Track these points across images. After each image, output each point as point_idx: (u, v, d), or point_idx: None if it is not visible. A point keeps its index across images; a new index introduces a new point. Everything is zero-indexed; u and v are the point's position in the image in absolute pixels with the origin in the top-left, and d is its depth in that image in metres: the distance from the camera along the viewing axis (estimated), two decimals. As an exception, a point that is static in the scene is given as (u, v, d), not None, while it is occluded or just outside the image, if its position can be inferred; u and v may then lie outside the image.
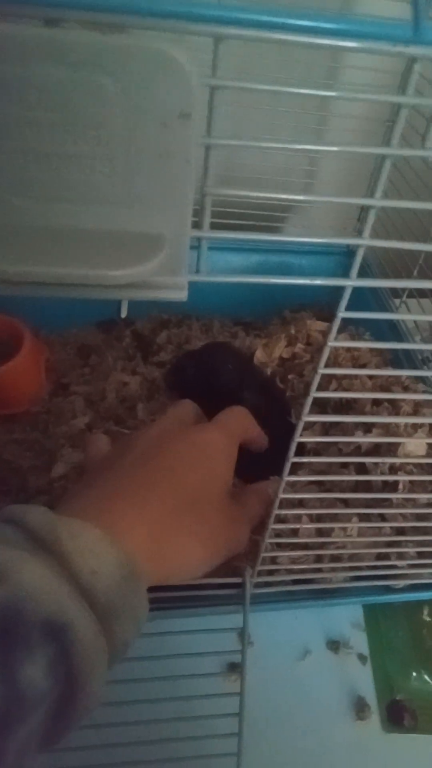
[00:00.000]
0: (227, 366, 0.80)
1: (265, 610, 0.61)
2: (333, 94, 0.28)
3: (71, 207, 0.24)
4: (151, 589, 0.41)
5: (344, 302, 0.32)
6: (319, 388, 0.37)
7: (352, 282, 0.31)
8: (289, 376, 0.81)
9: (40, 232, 0.24)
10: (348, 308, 0.32)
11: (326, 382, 0.77)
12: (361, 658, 0.73)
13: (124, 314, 0.86)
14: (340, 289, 0.33)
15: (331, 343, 0.34)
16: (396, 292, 0.87)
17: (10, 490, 0.73)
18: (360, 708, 0.69)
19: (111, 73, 0.21)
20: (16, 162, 0.23)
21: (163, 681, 0.58)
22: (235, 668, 0.69)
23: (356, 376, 0.76)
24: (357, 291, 0.33)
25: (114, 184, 0.24)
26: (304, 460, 0.42)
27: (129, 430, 0.77)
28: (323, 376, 0.36)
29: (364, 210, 0.98)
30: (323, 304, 0.99)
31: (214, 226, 0.27)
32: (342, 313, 0.33)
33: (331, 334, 0.34)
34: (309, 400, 0.39)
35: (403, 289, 0.84)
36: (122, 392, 0.84)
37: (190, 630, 0.59)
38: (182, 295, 0.28)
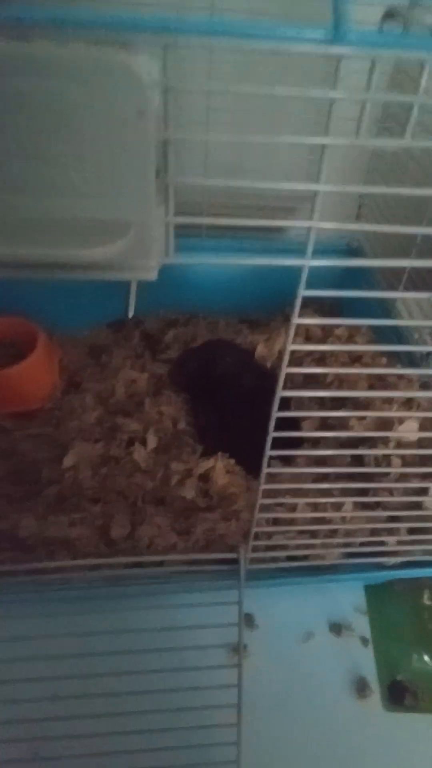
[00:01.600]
0: (226, 359, 0.84)
1: (261, 587, 0.63)
2: (281, 92, 0.32)
3: (49, 200, 0.28)
4: (147, 564, 0.43)
5: (303, 282, 0.35)
6: (320, 382, 0.40)
7: (308, 262, 0.34)
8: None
9: (23, 222, 0.28)
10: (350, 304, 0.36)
11: (324, 377, 0.80)
12: (363, 640, 0.75)
13: (131, 314, 0.90)
14: (342, 286, 0.37)
15: (295, 321, 0.38)
16: (392, 284, 0.89)
17: (24, 481, 0.77)
18: (361, 688, 0.71)
19: (76, 80, 0.25)
20: (1, 160, 0.27)
21: (165, 653, 0.61)
22: (235, 644, 0.71)
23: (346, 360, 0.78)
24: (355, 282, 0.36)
25: (84, 178, 0.28)
26: (283, 435, 0.45)
27: (136, 422, 0.81)
28: (319, 361, 0.39)
29: (362, 207, 1.00)
30: (324, 301, 1.02)
31: (213, 228, 0.30)
32: (303, 292, 0.36)
33: (294, 313, 0.38)
34: (282, 375, 0.42)
35: (399, 279, 0.86)
36: (131, 388, 0.88)
37: (188, 604, 0.62)
38: (151, 275, 0.31)
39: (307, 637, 0.75)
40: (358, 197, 0.99)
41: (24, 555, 0.67)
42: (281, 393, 0.41)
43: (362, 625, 0.76)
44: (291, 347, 0.37)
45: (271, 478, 0.46)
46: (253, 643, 0.73)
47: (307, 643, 0.74)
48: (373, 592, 0.79)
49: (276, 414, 0.43)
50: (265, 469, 0.46)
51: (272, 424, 0.44)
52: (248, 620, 0.74)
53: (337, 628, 0.76)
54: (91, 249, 0.28)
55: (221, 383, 0.81)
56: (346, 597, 0.79)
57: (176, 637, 0.63)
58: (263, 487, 0.48)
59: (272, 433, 0.44)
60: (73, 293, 0.99)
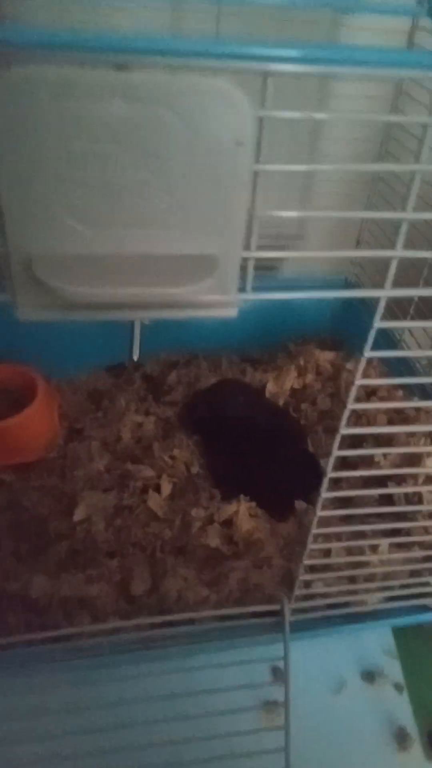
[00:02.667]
0: (238, 398, 0.82)
1: (301, 638, 0.60)
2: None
3: (132, 233, 0.26)
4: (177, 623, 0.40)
5: (369, 343, 0.34)
6: (336, 418, 0.39)
7: (386, 292, 0.33)
8: (302, 405, 0.83)
9: (103, 258, 0.26)
10: (343, 328, 0.34)
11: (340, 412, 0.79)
12: (398, 687, 0.72)
13: (136, 356, 0.88)
14: (341, 320, 0.36)
15: (359, 382, 0.36)
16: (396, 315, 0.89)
17: (31, 536, 0.72)
18: (401, 739, 0.67)
19: (173, 108, 0.23)
20: (82, 192, 0.25)
21: (198, 720, 0.56)
22: (271, 704, 0.67)
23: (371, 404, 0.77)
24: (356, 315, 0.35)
25: (172, 211, 0.26)
26: (338, 494, 0.43)
27: (148, 468, 0.78)
28: (339, 407, 0.37)
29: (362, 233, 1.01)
30: (325, 335, 1.02)
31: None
32: (368, 353, 0.35)
33: (358, 373, 0.36)
34: (338, 437, 0.40)
35: (404, 310, 0.86)
36: (137, 432, 0.85)
37: (221, 664, 0.58)
38: (232, 313, 0.29)
39: (339, 687, 0.71)
40: (359, 225, 0.99)
41: (38, 618, 0.62)
42: (344, 431, 0.39)
43: (394, 670, 0.73)
44: (360, 382, 0.35)
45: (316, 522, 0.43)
46: (282, 698, 0.69)
47: (340, 695, 0.71)
48: (401, 634, 0.76)
49: (337, 453, 0.40)
50: (319, 513, 0.44)
51: (331, 463, 0.41)
52: (277, 674, 0.70)
53: (369, 676, 0.72)
54: (181, 288, 0.26)
55: (234, 424, 0.79)
56: (374, 641, 0.75)
57: (208, 700, 0.59)
58: (315, 531, 0.45)
59: (330, 474, 0.41)
60: (71, 337, 0.96)
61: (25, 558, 0.69)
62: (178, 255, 0.27)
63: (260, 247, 0.29)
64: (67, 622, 0.61)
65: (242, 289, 0.30)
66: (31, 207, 0.24)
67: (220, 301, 0.29)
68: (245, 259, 0.29)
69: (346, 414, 0.37)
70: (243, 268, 0.29)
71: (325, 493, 0.42)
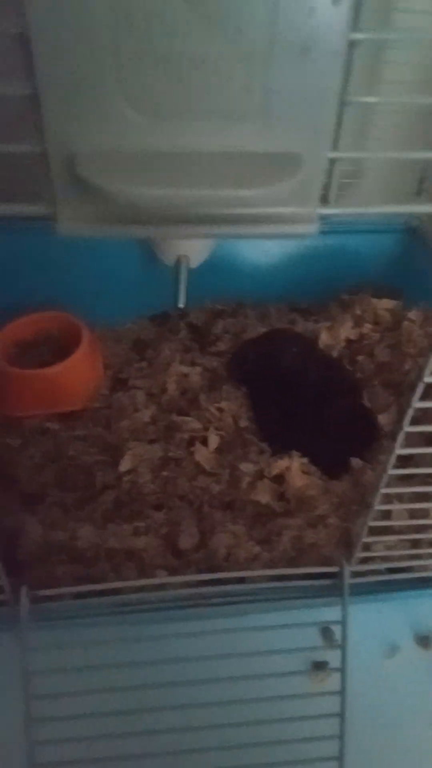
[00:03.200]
0: (291, 349, 0.77)
1: (358, 602, 0.56)
2: None
3: (193, 123, 0.21)
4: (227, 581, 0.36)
5: None
6: (395, 371, 0.33)
7: None
8: (358, 357, 0.77)
9: (164, 155, 0.21)
10: (400, 277, 0.29)
11: (401, 364, 0.73)
12: (455, 653, 0.68)
13: (182, 303, 0.83)
14: (400, 268, 0.30)
15: None
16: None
17: (77, 487, 0.70)
18: (458, 706, 0.64)
19: None
20: (140, 68, 0.20)
21: (251, 680, 0.54)
22: (320, 666, 0.64)
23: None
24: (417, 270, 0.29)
25: (251, 94, 0.21)
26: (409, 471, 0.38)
27: (194, 420, 0.74)
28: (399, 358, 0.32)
29: (424, 181, 0.93)
30: (382, 283, 0.94)
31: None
32: None
33: None
34: (409, 412, 0.35)
35: None
36: (183, 384, 0.81)
37: (272, 625, 0.56)
38: (311, 229, 0.24)
39: (392, 651, 0.68)
40: (421, 168, 0.91)
41: (85, 570, 0.60)
42: (418, 404, 0.34)
43: (451, 636, 0.70)
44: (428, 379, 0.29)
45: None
46: (334, 661, 0.66)
47: (393, 659, 0.67)
48: (459, 600, 0.72)
49: (417, 404, 0.35)
50: (390, 471, 0.39)
51: (408, 417, 0.36)
52: (327, 636, 0.67)
53: (424, 641, 0.69)
54: (252, 189, 0.21)
55: (287, 376, 0.74)
56: (429, 606, 0.72)
57: (256, 662, 0.56)
58: (384, 490, 0.41)
59: (407, 428, 0.37)
60: (114, 284, 0.93)
61: (70, 507, 0.68)
62: (255, 152, 0.22)
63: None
64: (114, 575, 0.59)
65: (325, 199, 0.25)
66: (75, 90, 0.20)
67: (299, 213, 0.24)
68: (332, 162, 0.24)
69: (419, 389, 0.32)
70: (327, 173, 0.24)
71: (398, 450, 0.37)
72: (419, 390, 0.34)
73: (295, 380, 0.74)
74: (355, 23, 0.21)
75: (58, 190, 0.22)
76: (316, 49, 0.20)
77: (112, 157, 0.21)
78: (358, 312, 0.81)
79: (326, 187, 0.25)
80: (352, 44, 0.21)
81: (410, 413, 0.36)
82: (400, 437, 0.37)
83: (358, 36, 0.21)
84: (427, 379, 0.34)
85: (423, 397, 0.35)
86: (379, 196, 1.00)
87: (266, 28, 0.20)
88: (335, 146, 0.24)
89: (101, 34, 0.19)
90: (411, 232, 0.98)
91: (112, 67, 0.20)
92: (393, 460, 0.38)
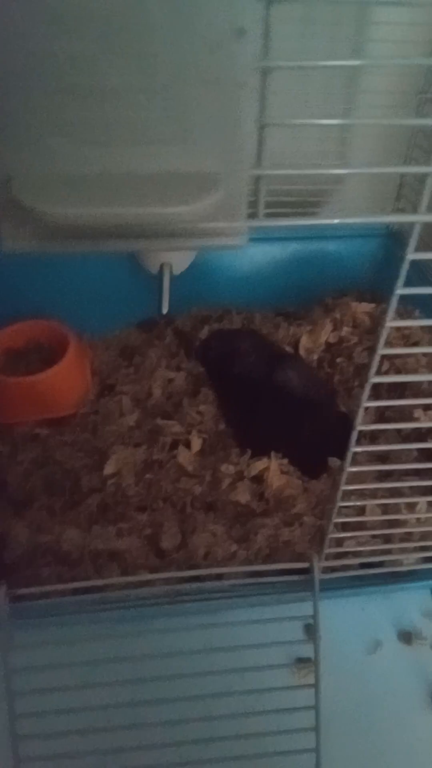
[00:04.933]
0: (248, 358, 0.78)
1: (333, 597, 0.58)
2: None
3: (118, 149, 0.23)
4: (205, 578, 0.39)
5: (402, 278, 0.30)
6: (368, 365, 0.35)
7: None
8: (338, 360, 0.79)
9: (92, 177, 0.23)
10: (383, 281, 0.31)
11: (379, 364, 0.75)
12: (436, 648, 0.69)
13: (165, 309, 0.86)
14: (383, 272, 0.32)
15: (390, 324, 0.33)
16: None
17: (63, 491, 0.72)
18: (439, 701, 0.65)
19: (160, -9, 0.20)
20: (64, 101, 0.22)
21: (231, 674, 0.56)
22: (303, 661, 0.66)
23: (409, 355, 0.73)
24: (392, 266, 0.31)
25: (167, 121, 0.23)
26: (368, 449, 0.40)
27: (177, 424, 0.76)
28: (370, 350, 0.34)
29: (402, 186, 0.95)
30: (365, 287, 0.96)
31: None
32: (400, 290, 0.31)
33: (389, 314, 0.33)
34: (368, 386, 0.37)
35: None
36: (168, 388, 0.83)
37: (253, 620, 0.57)
38: (239, 241, 0.26)
39: (374, 647, 0.69)
40: (399, 176, 0.93)
41: (69, 570, 0.62)
42: (375, 379, 0.36)
43: (433, 631, 0.71)
44: (391, 323, 0.31)
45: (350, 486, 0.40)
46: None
47: (376, 654, 0.69)
48: (441, 595, 0.73)
49: (366, 404, 0.37)
50: (348, 468, 0.41)
51: (360, 415, 0.38)
52: (309, 632, 0.68)
53: (406, 637, 0.70)
54: (175, 207, 0.23)
55: (239, 383, 0.76)
56: (413, 602, 0.73)
57: (238, 656, 0.58)
58: (344, 488, 0.43)
59: (359, 426, 0.38)
60: (103, 293, 0.95)
61: (57, 511, 0.70)
62: (176, 173, 0.24)
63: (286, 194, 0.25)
64: (97, 575, 0.61)
65: (253, 214, 0.27)
66: (7, 119, 0.22)
67: (227, 227, 0.25)
68: (258, 180, 0.26)
69: (375, 360, 0.34)
70: (254, 191, 0.26)
71: (354, 448, 0.39)
72: (367, 389, 0.36)
73: (247, 389, 0.76)
74: (266, 50, 0.23)
75: (1, 210, 0.24)
76: (225, 80, 0.22)
77: (42, 180, 0.23)
78: (338, 316, 0.82)
79: (254, 202, 0.27)
80: (264, 73, 0.23)
81: (361, 413, 0.38)
82: (354, 436, 0.38)
83: (267, 64, 0.23)
84: (374, 380, 0.36)
85: (378, 397, 0.37)
86: (362, 201, 1.02)
87: (174, 64, 0.22)
88: (259, 164, 0.26)
89: (31, 74, 0.21)
90: (393, 236, 1.00)
91: (41, 101, 0.22)
92: (349, 458, 0.40)
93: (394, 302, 0.30)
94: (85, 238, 0.23)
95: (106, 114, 0.22)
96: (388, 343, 0.76)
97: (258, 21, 0.22)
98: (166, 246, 0.25)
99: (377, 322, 0.81)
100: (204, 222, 0.25)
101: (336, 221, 0.28)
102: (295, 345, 0.83)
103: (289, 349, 0.82)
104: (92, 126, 0.22)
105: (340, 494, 0.43)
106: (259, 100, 0.24)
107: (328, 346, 0.81)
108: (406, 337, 0.76)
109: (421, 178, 0.30)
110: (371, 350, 0.75)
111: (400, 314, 0.82)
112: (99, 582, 0.56)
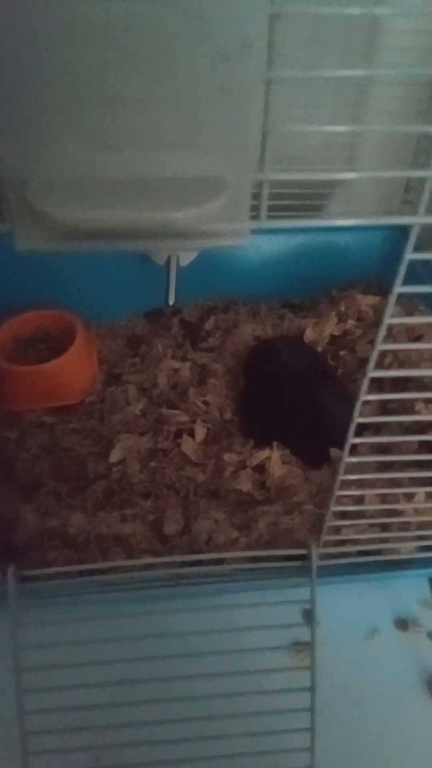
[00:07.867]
0: (280, 355, 0.79)
1: (331, 583, 0.60)
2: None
3: (130, 154, 0.24)
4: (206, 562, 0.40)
5: (400, 276, 0.31)
6: (376, 364, 0.36)
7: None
8: (341, 353, 0.80)
9: (104, 181, 0.25)
10: (390, 274, 0.32)
11: (381, 358, 0.76)
12: (432, 636, 0.71)
13: (171, 301, 0.87)
14: (390, 264, 0.33)
15: (388, 320, 0.34)
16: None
17: (70, 477, 0.74)
18: (432, 687, 0.67)
19: (174, 5, 0.21)
20: (77, 107, 0.23)
21: (230, 654, 0.58)
22: (301, 644, 0.68)
23: (413, 349, 0.74)
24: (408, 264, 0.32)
25: (176, 127, 0.24)
26: (366, 440, 0.41)
27: (183, 413, 0.78)
28: (379, 351, 0.35)
29: (411, 179, 0.95)
30: (372, 280, 0.97)
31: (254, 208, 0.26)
32: (398, 288, 0.32)
33: (387, 311, 0.34)
34: (366, 381, 0.38)
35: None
36: (174, 378, 0.85)
37: (252, 604, 0.59)
38: (244, 242, 0.27)
39: (371, 634, 0.71)
40: (406, 178, 0.93)
41: (75, 553, 0.64)
42: (372, 373, 0.37)
43: (429, 619, 0.72)
44: (390, 320, 0.32)
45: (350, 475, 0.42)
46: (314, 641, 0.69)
47: (372, 641, 0.71)
48: (438, 584, 0.75)
49: (365, 397, 0.39)
50: (346, 459, 0.43)
51: (358, 408, 0.40)
52: (307, 616, 0.70)
53: (402, 624, 0.72)
54: (185, 211, 0.24)
55: (273, 378, 0.77)
56: (410, 590, 0.75)
57: (238, 638, 0.60)
58: (342, 477, 0.44)
59: (357, 419, 0.40)
60: (111, 282, 0.96)
61: (64, 496, 0.72)
62: (184, 177, 0.25)
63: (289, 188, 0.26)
64: (102, 559, 0.63)
65: (256, 216, 0.28)
66: (24, 124, 0.23)
67: (230, 228, 0.27)
68: (260, 184, 0.27)
69: (374, 355, 0.35)
70: (257, 193, 0.27)
71: (352, 439, 0.40)
72: (366, 383, 0.37)
73: (279, 382, 0.77)
74: (270, 62, 0.24)
75: (15, 211, 0.26)
76: (236, 89, 0.23)
77: (55, 184, 0.24)
78: (343, 308, 0.83)
79: (257, 206, 0.28)
80: (268, 83, 0.24)
81: (359, 406, 0.39)
82: (352, 427, 0.40)
83: (272, 75, 0.24)
84: (373, 374, 0.37)
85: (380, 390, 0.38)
86: (371, 192, 1.03)
87: (188, 73, 0.23)
88: (261, 168, 0.27)
89: (42, 79, 0.22)
90: (401, 229, 1.00)
91: (58, 108, 0.23)
92: (347, 449, 0.41)
93: (392, 300, 0.32)
94: (96, 239, 0.25)
95: (120, 121, 0.24)
96: (391, 337, 0.77)
97: (266, 31, 0.23)
98: (172, 247, 0.26)
99: (382, 315, 0.81)
100: (209, 224, 0.26)
101: (337, 222, 0.29)
102: (300, 337, 0.84)
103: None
104: (107, 132, 0.24)
105: (338, 484, 0.45)
106: (265, 106, 0.25)
107: (333, 338, 0.82)
108: (410, 330, 0.77)
109: (422, 181, 0.31)
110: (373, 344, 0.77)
111: (405, 308, 0.83)
112: (104, 565, 0.58)
